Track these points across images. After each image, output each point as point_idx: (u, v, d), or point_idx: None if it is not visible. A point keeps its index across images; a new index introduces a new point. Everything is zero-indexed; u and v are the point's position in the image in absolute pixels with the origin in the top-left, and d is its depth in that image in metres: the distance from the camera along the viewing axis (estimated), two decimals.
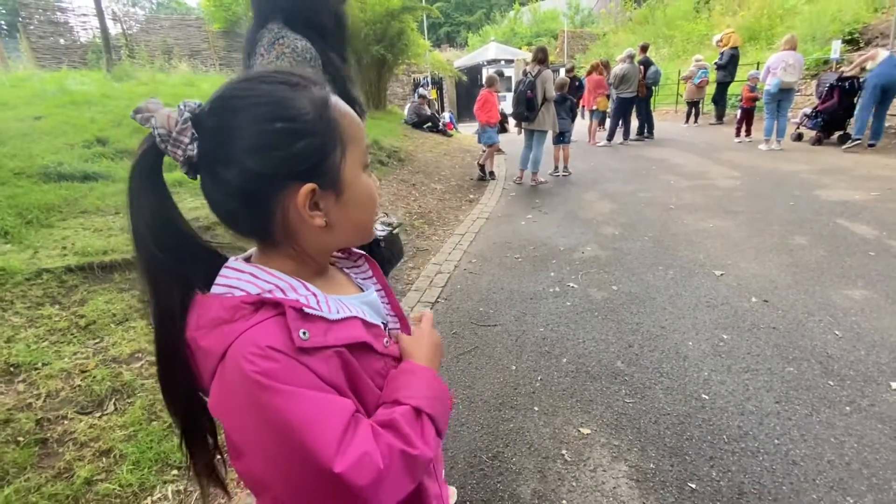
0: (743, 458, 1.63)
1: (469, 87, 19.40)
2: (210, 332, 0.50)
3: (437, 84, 17.56)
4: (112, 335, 2.34)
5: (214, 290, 0.54)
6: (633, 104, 8.91)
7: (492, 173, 6.80)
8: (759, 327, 2.44)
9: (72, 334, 2.31)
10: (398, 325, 0.74)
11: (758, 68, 9.28)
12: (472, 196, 5.82)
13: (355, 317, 0.58)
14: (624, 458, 1.66)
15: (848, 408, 1.83)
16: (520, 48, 22.70)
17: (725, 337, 2.38)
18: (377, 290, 0.71)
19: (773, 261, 3.25)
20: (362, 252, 0.73)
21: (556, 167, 6.64)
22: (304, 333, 0.50)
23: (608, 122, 9.35)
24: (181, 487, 1.62)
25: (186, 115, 0.51)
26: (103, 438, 1.76)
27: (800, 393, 1.94)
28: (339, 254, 0.72)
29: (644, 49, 9.27)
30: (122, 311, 2.52)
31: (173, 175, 3.38)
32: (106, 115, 6.38)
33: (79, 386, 2.00)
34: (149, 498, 1.57)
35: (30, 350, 2.14)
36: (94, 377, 2.03)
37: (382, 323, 0.68)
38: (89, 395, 1.96)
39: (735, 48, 9.38)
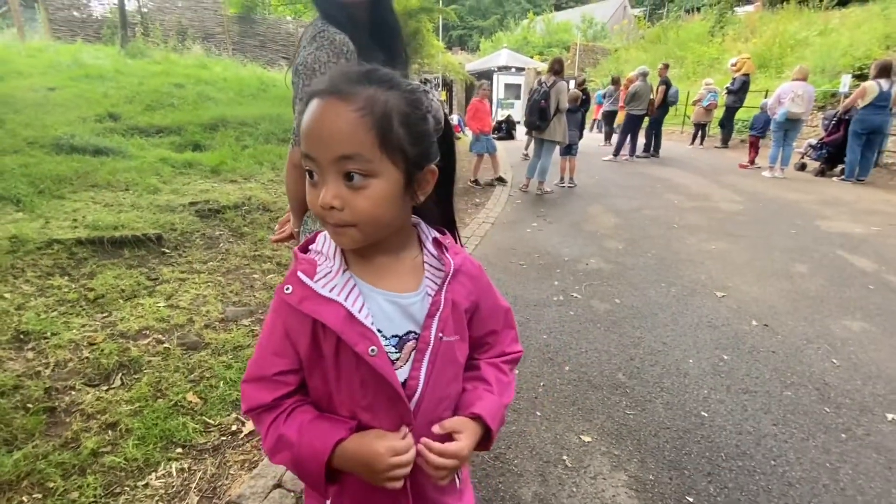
0: (740, 476, 1.66)
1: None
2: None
3: (448, 86, 17.62)
4: (120, 310, 2.35)
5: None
6: (642, 122, 9.00)
7: (501, 178, 6.82)
8: (758, 350, 2.49)
9: (80, 306, 2.33)
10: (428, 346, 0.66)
11: (766, 96, 9.41)
12: (478, 200, 5.86)
13: (338, 303, 0.61)
14: (624, 468, 1.69)
15: (844, 435, 1.87)
16: (531, 57, 22.83)
17: (726, 357, 2.42)
18: (430, 302, 0.67)
19: (773, 286, 3.30)
20: (450, 259, 0.69)
21: (562, 178, 6.70)
22: (288, 289, 0.62)
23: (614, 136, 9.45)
24: (185, 466, 1.63)
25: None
26: (110, 411, 1.78)
27: (797, 417, 1.98)
28: (433, 248, 0.71)
29: (666, 68, 9.33)
30: (131, 287, 2.53)
31: (184, 156, 3.45)
32: (119, 91, 6.38)
33: (87, 358, 2.01)
34: (153, 474, 1.59)
35: (39, 319, 2.15)
36: (102, 350, 2.04)
37: (412, 332, 0.66)
38: (97, 368, 1.97)
39: (747, 75, 9.49)
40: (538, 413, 1.98)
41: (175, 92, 6.82)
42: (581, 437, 1.84)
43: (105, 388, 1.90)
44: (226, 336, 2.28)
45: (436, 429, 0.66)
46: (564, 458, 1.74)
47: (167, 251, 2.97)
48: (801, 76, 7.03)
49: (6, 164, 3.49)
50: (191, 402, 1.88)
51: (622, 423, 1.92)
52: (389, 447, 0.61)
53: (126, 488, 1.52)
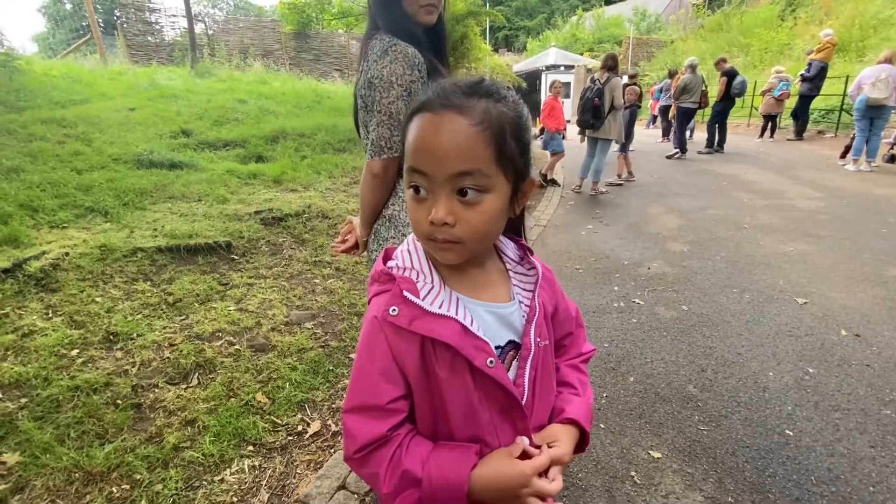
0: (833, 503, 1.50)
1: (527, 93, 19.25)
2: (371, 282, 0.66)
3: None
4: (196, 314, 2.51)
5: (397, 250, 0.67)
6: (694, 115, 8.51)
7: (554, 181, 6.70)
8: (850, 363, 2.25)
9: (161, 310, 2.51)
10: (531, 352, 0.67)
11: (847, 82, 8.57)
12: (529, 203, 5.74)
13: (453, 319, 0.59)
14: (699, 488, 1.58)
15: None
16: (581, 54, 22.24)
17: (811, 370, 2.20)
18: (525, 307, 0.67)
19: (865, 292, 2.98)
20: (538, 265, 0.71)
21: (619, 175, 6.47)
22: (394, 310, 0.59)
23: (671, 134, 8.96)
24: (256, 463, 1.71)
25: None
26: (189, 409, 1.90)
27: None
28: (514, 254, 0.71)
29: (724, 61, 8.77)
30: (205, 292, 2.70)
31: (248, 167, 3.62)
32: (190, 109, 6.89)
33: (168, 358, 2.16)
34: (227, 469, 1.67)
35: (126, 321, 2.35)
36: (181, 351, 2.19)
37: (513, 341, 0.66)
38: (176, 368, 2.11)
39: (825, 61, 8.70)
40: (602, 426, 1.89)
41: (239, 107, 7.27)
42: (650, 452, 1.74)
43: (184, 386, 2.03)
44: (291, 339, 2.38)
45: (536, 441, 0.65)
46: (632, 474, 1.65)
47: (236, 258, 3.15)
48: (887, 59, 6.34)
49: (95, 179, 3.86)
50: (260, 401, 1.97)
51: (695, 440, 1.80)
52: (534, 467, 0.59)
53: (204, 482, 1.61)
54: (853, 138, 7.35)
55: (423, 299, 0.60)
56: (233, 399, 1.97)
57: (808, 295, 2.96)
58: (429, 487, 0.57)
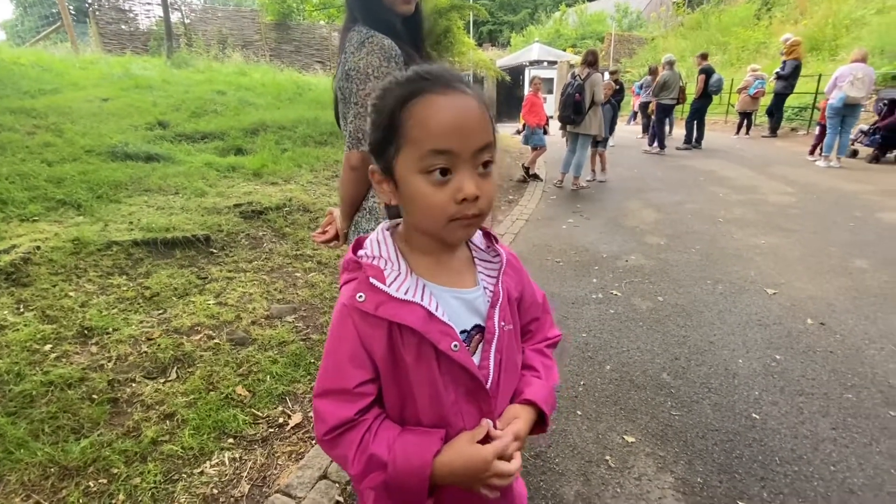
0: (796, 482, 1.58)
1: (510, 88, 19.28)
2: (342, 271, 0.68)
3: (479, 83, 17.53)
4: (174, 308, 2.48)
5: (366, 239, 0.68)
6: (673, 111, 8.68)
7: (536, 175, 6.76)
8: (814, 350, 2.35)
9: (138, 304, 2.47)
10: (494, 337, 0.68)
11: (819, 81, 8.83)
12: (511, 197, 5.81)
13: (418, 304, 0.61)
14: (670, 470, 1.64)
15: None
16: (564, 50, 22.37)
17: (778, 357, 2.30)
18: (489, 292, 0.69)
19: (830, 283, 3.10)
20: (502, 252, 0.73)
21: (593, 171, 6.56)
22: (361, 297, 0.61)
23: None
24: (237, 455, 1.71)
25: None
26: (167, 403, 1.88)
27: (858, 421, 1.86)
28: (480, 242, 0.73)
29: (704, 57, 8.95)
30: (183, 286, 2.67)
31: (227, 160, 3.58)
32: (166, 100, 6.71)
33: (145, 352, 2.13)
34: (207, 462, 1.67)
35: (102, 316, 2.30)
36: (159, 345, 2.16)
37: (479, 325, 0.67)
38: (154, 362, 2.09)
39: (798, 59, 8.94)
40: (579, 412, 1.95)
41: (217, 99, 7.11)
42: (624, 437, 1.80)
43: (162, 380, 2.01)
44: (271, 332, 2.37)
45: (500, 424, 0.67)
46: (607, 457, 1.70)
47: (215, 251, 3.11)
48: (860, 58, 6.56)
49: (67, 171, 3.74)
50: (240, 394, 1.97)
51: (667, 424, 1.86)
52: (495, 450, 0.61)
53: (183, 475, 1.60)
54: (817, 135, 7.62)
55: (388, 286, 0.61)
56: (212, 392, 1.96)
57: (777, 286, 3.07)
58: (394, 471, 0.59)
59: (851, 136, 7.32)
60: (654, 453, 1.72)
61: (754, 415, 1.91)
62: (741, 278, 3.21)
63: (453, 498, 0.68)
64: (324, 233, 1.47)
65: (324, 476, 1.63)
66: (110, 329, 2.24)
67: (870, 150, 7.18)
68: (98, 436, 1.69)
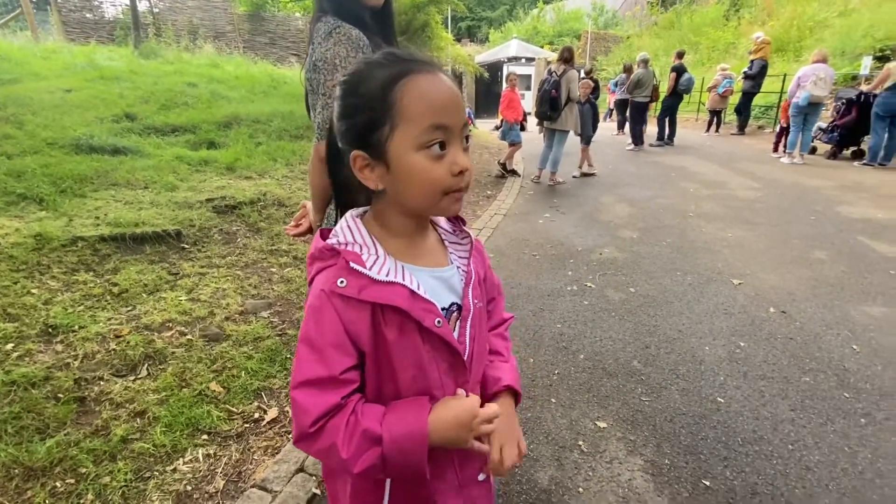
0: (757, 461, 1.66)
1: (489, 84, 19.33)
2: (310, 262, 0.67)
3: (457, 79, 17.52)
4: (144, 304, 2.42)
5: (335, 228, 0.68)
6: (647, 109, 8.88)
7: (514, 171, 6.82)
8: (776, 337, 2.46)
9: (106, 301, 2.40)
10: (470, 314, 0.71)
11: (784, 80, 9.16)
12: (489, 192, 5.85)
13: (401, 284, 0.62)
14: (639, 453, 1.70)
15: (863, 420, 1.86)
16: (542, 47, 22.55)
17: (742, 344, 2.40)
18: (462, 271, 0.73)
19: (792, 273, 3.25)
20: (470, 231, 0.76)
21: (580, 167, 6.67)
22: (342, 282, 0.61)
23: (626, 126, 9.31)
24: (211, 451, 1.69)
25: None
26: (137, 400, 1.84)
27: (815, 402, 1.96)
28: (447, 226, 0.76)
29: (680, 56, 9.16)
30: (153, 282, 2.60)
31: (199, 154, 3.50)
32: (134, 91, 6.49)
33: (114, 350, 2.08)
34: (181, 459, 1.64)
35: (67, 313, 2.23)
36: (128, 343, 2.11)
37: (456, 303, 0.70)
38: (123, 359, 2.04)
39: (765, 59, 9.26)
40: (553, 400, 1.99)
41: (189, 91, 6.91)
42: (596, 423, 1.86)
43: (132, 378, 1.96)
44: (246, 328, 2.34)
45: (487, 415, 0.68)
46: (580, 443, 1.75)
47: (187, 247, 3.04)
48: (821, 58, 6.84)
49: (28, 165, 3.58)
50: (214, 391, 1.94)
51: (637, 410, 1.93)
52: (477, 399, 0.66)
53: (156, 473, 1.58)
54: (778, 133, 7.94)
55: (369, 269, 0.62)
56: (185, 389, 1.93)
57: (742, 276, 3.20)
58: (390, 441, 0.58)
59: (812, 134, 7.65)
60: (624, 437, 1.78)
61: (719, 399, 1.99)
62: (709, 269, 3.32)
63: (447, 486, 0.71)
64: (297, 226, 1.45)
65: (300, 469, 1.62)
66: (76, 327, 2.17)
67: (828, 147, 7.51)
68: (64, 435, 1.65)
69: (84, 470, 1.53)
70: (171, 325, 2.30)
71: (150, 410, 1.80)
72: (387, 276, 0.62)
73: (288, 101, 7.31)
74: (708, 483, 1.57)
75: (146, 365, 2.04)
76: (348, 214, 0.69)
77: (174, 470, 1.59)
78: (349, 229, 0.66)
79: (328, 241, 0.65)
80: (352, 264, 0.61)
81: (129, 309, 2.38)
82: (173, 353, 2.12)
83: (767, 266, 3.38)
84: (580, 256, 3.62)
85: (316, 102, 1.18)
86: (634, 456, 1.69)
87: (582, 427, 1.84)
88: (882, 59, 8.98)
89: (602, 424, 1.85)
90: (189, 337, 2.24)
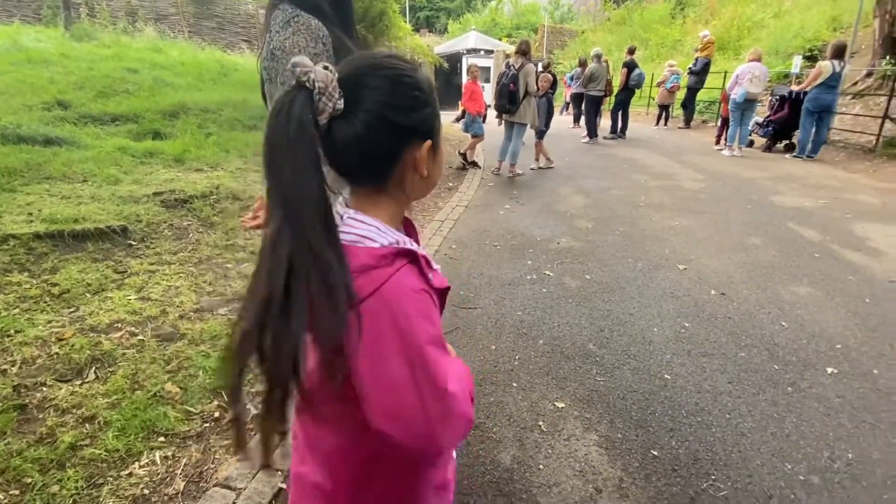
0: (699, 430, 1.81)
1: (449, 75, 19.27)
2: (359, 276, 0.56)
3: None
4: (88, 305, 2.29)
5: (344, 238, 0.59)
6: (601, 102, 9.17)
7: (475, 163, 6.88)
8: (716, 317, 2.66)
9: (45, 302, 2.25)
10: None
11: (725, 77, 9.73)
12: (451, 184, 5.89)
13: (437, 269, 0.67)
14: (595, 429, 1.81)
15: (790, 388, 2.05)
16: (500, 39, 22.72)
17: (687, 325, 2.58)
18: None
19: (730, 258, 3.50)
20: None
21: (537, 159, 6.80)
22: (431, 277, 0.63)
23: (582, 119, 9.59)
24: (169, 453, 1.64)
25: (336, 75, 0.57)
26: (86, 405, 1.75)
27: (749, 375, 2.15)
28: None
29: (631, 52, 9.49)
30: (98, 281, 2.46)
31: (144, 144, 3.34)
32: (67, 77, 6.03)
33: (56, 354, 1.96)
34: (136, 463, 1.59)
35: (0, 317, 2.07)
36: (73, 346, 2.00)
37: None
38: (68, 363, 1.93)
39: (709, 57, 9.79)
40: (514, 384, 2.07)
41: (129, 77, 6.49)
42: (555, 403, 1.95)
43: (79, 382, 1.86)
44: (202, 326, 2.27)
45: None
46: (540, 423, 1.84)
47: (133, 243, 2.89)
48: (756, 57, 7.31)
49: None
50: (170, 391, 1.87)
51: (593, 389, 2.04)
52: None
53: (109, 478, 1.52)
54: (720, 127, 8.46)
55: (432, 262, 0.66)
56: (138, 391, 1.85)
57: (687, 262, 3.42)
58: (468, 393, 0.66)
59: (749, 128, 8.20)
60: (581, 416, 1.88)
61: (666, 375, 2.14)
62: (658, 256, 3.52)
63: None
64: (254, 217, 1.43)
65: (266, 465, 1.61)
66: (11, 331, 2.03)
67: (764, 141, 8.09)
68: (6, 445, 1.55)
69: (30, 480, 1.45)
70: (119, 325, 2.19)
71: (101, 415, 1.72)
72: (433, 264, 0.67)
73: (239, 90, 7.01)
74: (656, 453, 1.69)
75: (93, 368, 1.94)
76: (360, 217, 0.65)
77: (130, 474, 1.54)
78: (381, 231, 0.63)
79: (381, 246, 0.61)
80: (426, 260, 0.64)
81: (71, 310, 2.24)
82: (123, 354, 2.03)
83: (709, 252, 3.62)
84: (539, 246, 3.74)
85: (274, 92, 1.17)
86: (590, 432, 1.79)
87: (542, 408, 1.92)
88: (811, 58, 9.71)
89: (560, 405, 1.94)
90: (140, 337, 2.14)
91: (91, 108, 5.27)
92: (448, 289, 0.69)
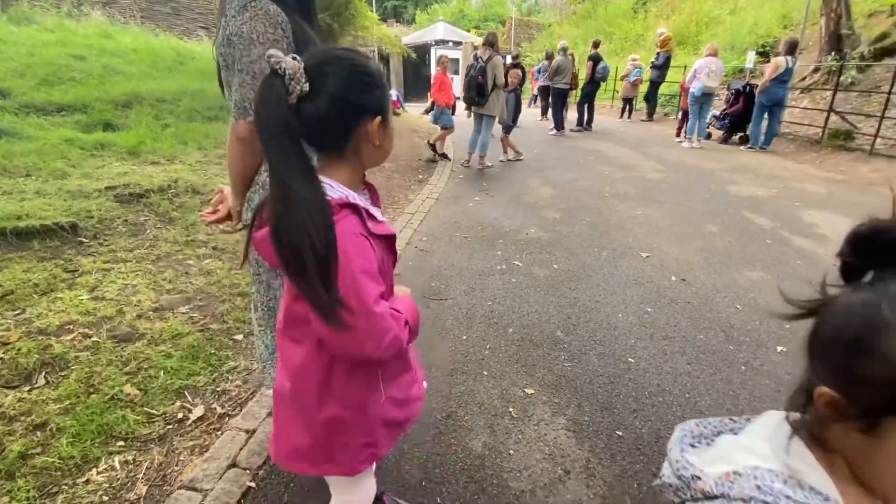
0: (661, 410, 1.89)
1: (417, 66, 19.09)
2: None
3: (384, 60, 17.10)
4: (35, 306, 2.16)
5: (328, 187, 0.79)
6: (567, 95, 9.32)
7: (444, 155, 6.86)
8: (677, 302, 2.77)
9: None
10: None
11: (685, 71, 10.06)
12: (421, 176, 5.86)
13: (383, 220, 0.87)
14: (563, 413, 1.86)
15: (743, 367, 2.17)
16: (468, 31, 22.65)
17: (649, 310, 2.67)
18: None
19: (690, 245, 3.65)
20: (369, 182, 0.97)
21: (506, 151, 6.85)
22: (369, 225, 0.81)
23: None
24: (129, 458, 1.58)
25: (302, 64, 0.73)
26: (35, 412, 1.66)
27: (707, 356, 2.26)
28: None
29: (595, 45, 9.65)
30: (46, 281, 2.33)
31: (93, 136, 3.18)
32: (5, 63, 5.61)
33: (1, 359, 1.84)
34: (94, 469, 1.52)
35: None
36: (19, 350, 1.89)
37: None
38: (14, 369, 1.82)
39: (669, 52, 10.08)
40: (485, 373, 2.10)
41: (75, 64, 6.10)
42: (525, 390, 1.99)
43: (27, 388, 1.76)
44: (162, 325, 2.18)
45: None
46: (510, 409, 1.87)
47: (85, 240, 2.73)
48: (713, 52, 7.59)
49: None
50: (129, 394, 1.80)
51: (561, 375, 2.09)
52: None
53: (64, 487, 1.45)
54: (680, 119, 8.76)
55: (374, 212, 0.86)
56: (94, 395, 1.77)
57: (650, 250, 3.54)
58: (412, 321, 0.93)
59: (707, 121, 8.53)
60: (550, 401, 1.93)
61: (630, 359, 2.22)
62: (622, 245, 3.63)
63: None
64: (215, 212, 1.38)
65: (233, 465, 1.57)
66: None
67: (721, 133, 8.44)
68: None
69: None
70: (71, 327, 2.08)
71: (53, 421, 1.63)
72: (378, 215, 0.87)
73: (197, 79, 6.72)
74: (621, 433, 1.76)
75: (43, 373, 1.83)
76: (319, 176, 0.79)
77: (87, 481, 1.47)
78: (334, 188, 0.80)
79: (334, 197, 0.78)
80: (370, 209, 0.84)
81: (16, 312, 2.11)
82: (76, 357, 1.93)
83: (670, 240, 3.76)
84: (508, 237, 3.78)
85: (231, 79, 1.12)
86: (559, 416, 1.84)
87: (512, 395, 1.96)
88: (763, 53, 10.17)
89: (530, 391, 1.98)
90: (94, 339, 2.04)
91: (33, 96, 4.93)
92: (394, 235, 0.89)
